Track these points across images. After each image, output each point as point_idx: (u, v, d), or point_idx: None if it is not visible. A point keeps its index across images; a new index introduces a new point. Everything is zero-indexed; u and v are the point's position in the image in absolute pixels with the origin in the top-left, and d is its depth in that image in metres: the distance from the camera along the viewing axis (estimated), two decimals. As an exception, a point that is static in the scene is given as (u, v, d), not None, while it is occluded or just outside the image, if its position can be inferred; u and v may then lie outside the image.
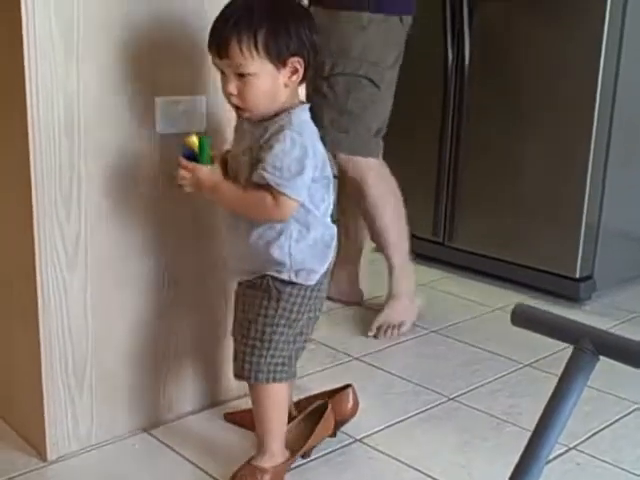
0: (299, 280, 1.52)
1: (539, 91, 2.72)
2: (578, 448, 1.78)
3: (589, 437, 1.83)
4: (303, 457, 1.69)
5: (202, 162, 1.48)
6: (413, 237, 3.24)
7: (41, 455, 1.65)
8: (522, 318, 1.09)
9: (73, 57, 1.51)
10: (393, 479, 1.65)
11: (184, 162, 1.48)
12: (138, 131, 1.63)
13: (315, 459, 1.70)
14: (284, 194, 1.41)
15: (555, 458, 1.72)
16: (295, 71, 1.45)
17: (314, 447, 1.71)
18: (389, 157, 3.16)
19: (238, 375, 1.57)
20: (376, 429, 1.84)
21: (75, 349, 1.63)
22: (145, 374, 1.75)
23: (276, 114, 1.45)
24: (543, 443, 0.99)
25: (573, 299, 2.73)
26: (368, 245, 2.68)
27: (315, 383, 2.00)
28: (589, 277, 2.76)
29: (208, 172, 1.48)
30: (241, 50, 1.40)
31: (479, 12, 2.80)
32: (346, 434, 1.80)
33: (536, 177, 2.76)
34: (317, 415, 1.72)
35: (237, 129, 1.56)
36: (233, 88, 1.43)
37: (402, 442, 1.79)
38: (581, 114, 2.62)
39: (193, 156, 1.49)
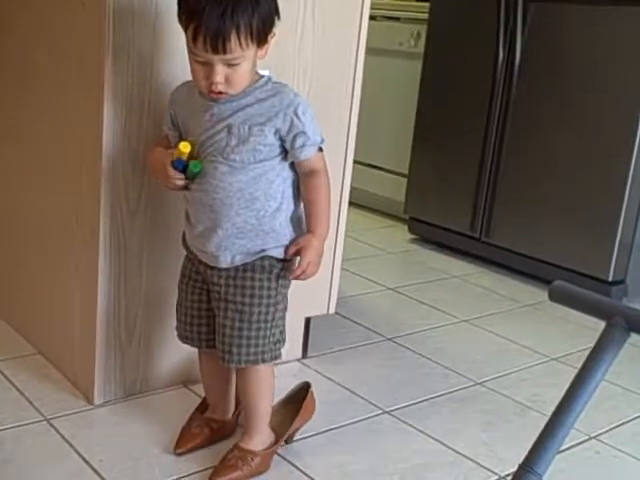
0: None
1: (586, 95, 2.76)
2: (599, 438, 1.84)
3: (611, 429, 1.89)
4: (286, 442, 1.68)
5: (193, 171, 1.44)
6: (450, 231, 3.37)
7: (89, 399, 1.75)
8: (559, 294, 1.16)
9: None
10: (418, 449, 1.73)
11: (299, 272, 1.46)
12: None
13: (344, 426, 1.78)
14: (321, 150, 1.48)
15: (576, 445, 1.79)
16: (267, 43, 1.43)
17: (297, 430, 1.70)
18: (432, 151, 3.24)
19: (242, 362, 1.51)
20: (404, 404, 1.91)
21: (128, 302, 1.73)
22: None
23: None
24: (572, 408, 1.06)
25: (603, 302, 2.77)
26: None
27: (348, 359, 2.12)
28: (621, 281, 2.81)
29: (310, 236, 1.47)
30: (240, 44, 1.33)
31: (533, 12, 2.85)
32: (376, 406, 1.88)
33: (575, 179, 2.81)
34: (299, 398, 1.70)
35: (190, 108, 1.47)
36: (221, 77, 1.36)
37: (428, 417, 1.86)
38: (625, 120, 2.66)
39: (183, 166, 1.44)
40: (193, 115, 1.47)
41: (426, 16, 3.28)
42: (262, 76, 1.45)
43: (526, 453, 1.07)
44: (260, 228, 1.47)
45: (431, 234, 3.36)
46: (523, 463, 1.06)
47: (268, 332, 1.51)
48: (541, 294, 2.83)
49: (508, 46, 2.94)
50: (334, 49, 1.89)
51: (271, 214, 1.47)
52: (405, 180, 3.42)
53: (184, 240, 1.58)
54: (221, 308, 1.51)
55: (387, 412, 1.86)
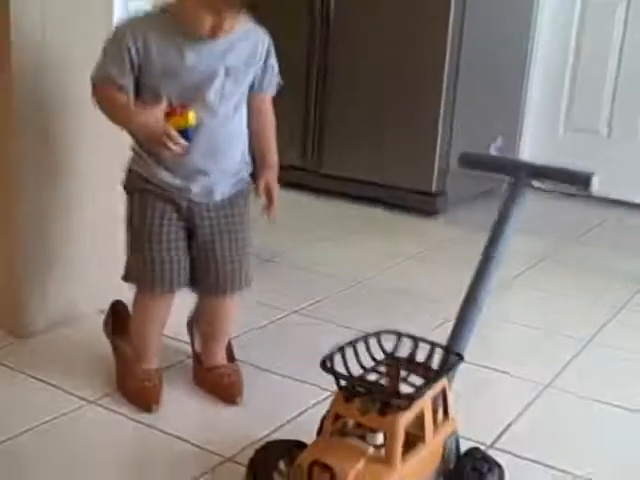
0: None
1: (396, 29, 3.03)
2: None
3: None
4: None
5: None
6: (282, 167, 3.51)
7: (13, 331, 1.79)
8: (467, 161, 1.39)
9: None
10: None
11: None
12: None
13: (264, 326, 1.95)
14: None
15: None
16: None
17: None
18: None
19: (242, 287, 1.60)
20: (305, 305, 2.12)
21: (45, 230, 1.78)
22: (105, 255, 1.87)
23: None
24: (495, 250, 1.30)
25: (430, 213, 3.11)
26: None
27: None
28: (443, 192, 3.13)
29: (272, 172, 1.56)
30: None
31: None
32: (280, 309, 2.08)
33: (396, 105, 3.10)
34: None
35: (166, 47, 1.44)
36: (228, 27, 1.42)
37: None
38: (434, 54, 2.98)
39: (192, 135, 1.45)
40: (172, 55, 1.45)
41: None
42: None
43: (468, 286, 1.30)
44: (242, 160, 1.57)
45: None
46: (467, 294, 1.29)
47: (250, 252, 1.62)
48: (373, 212, 3.13)
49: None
50: None
51: (246, 147, 1.57)
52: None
53: (142, 181, 1.53)
54: (216, 240, 1.56)
55: (294, 312, 2.09)
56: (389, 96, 3.13)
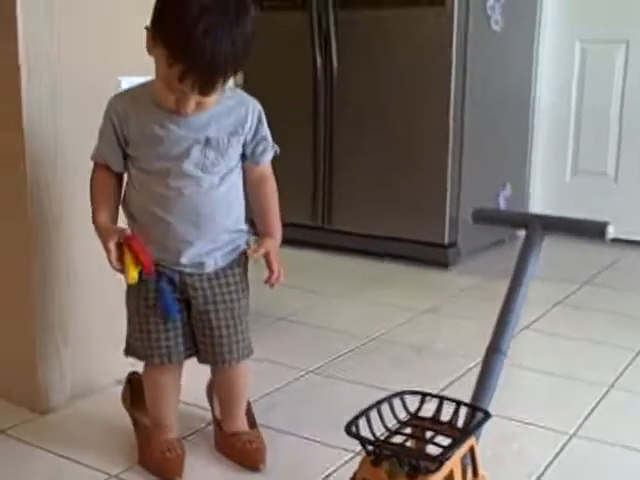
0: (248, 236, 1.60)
1: (399, 87, 3.10)
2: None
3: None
4: None
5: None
6: (293, 225, 3.52)
7: (32, 408, 1.78)
8: (481, 217, 1.40)
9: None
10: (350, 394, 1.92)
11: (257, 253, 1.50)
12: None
13: (279, 388, 1.94)
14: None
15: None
16: None
17: None
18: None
19: (242, 357, 1.57)
20: (322, 363, 2.12)
21: (62, 306, 1.78)
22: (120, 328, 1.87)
23: None
24: (516, 297, 1.31)
25: (442, 264, 3.12)
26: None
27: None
28: (454, 244, 3.16)
29: (272, 241, 1.53)
30: (221, 87, 1.40)
31: (344, 17, 3.14)
32: (299, 368, 2.07)
33: (404, 159, 3.14)
34: None
35: (147, 119, 1.45)
36: (194, 106, 1.40)
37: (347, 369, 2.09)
38: (438, 109, 3.03)
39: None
40: (152, 128, 1.45)
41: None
42: None
43: (490, 338, 1.31)
44: (235, 230, 1.54)
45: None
46: (490, 347, 1.30)
47: (248, 321, 1.59)
48: (385, 267, 3.16)
49: (324, 51, 3.22)
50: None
51: (241, 215, 1.56)
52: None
53: None
54: (211, 311, 1.54)
55: (311, 371, 2.07)
56: (397, 150, 3.17)
